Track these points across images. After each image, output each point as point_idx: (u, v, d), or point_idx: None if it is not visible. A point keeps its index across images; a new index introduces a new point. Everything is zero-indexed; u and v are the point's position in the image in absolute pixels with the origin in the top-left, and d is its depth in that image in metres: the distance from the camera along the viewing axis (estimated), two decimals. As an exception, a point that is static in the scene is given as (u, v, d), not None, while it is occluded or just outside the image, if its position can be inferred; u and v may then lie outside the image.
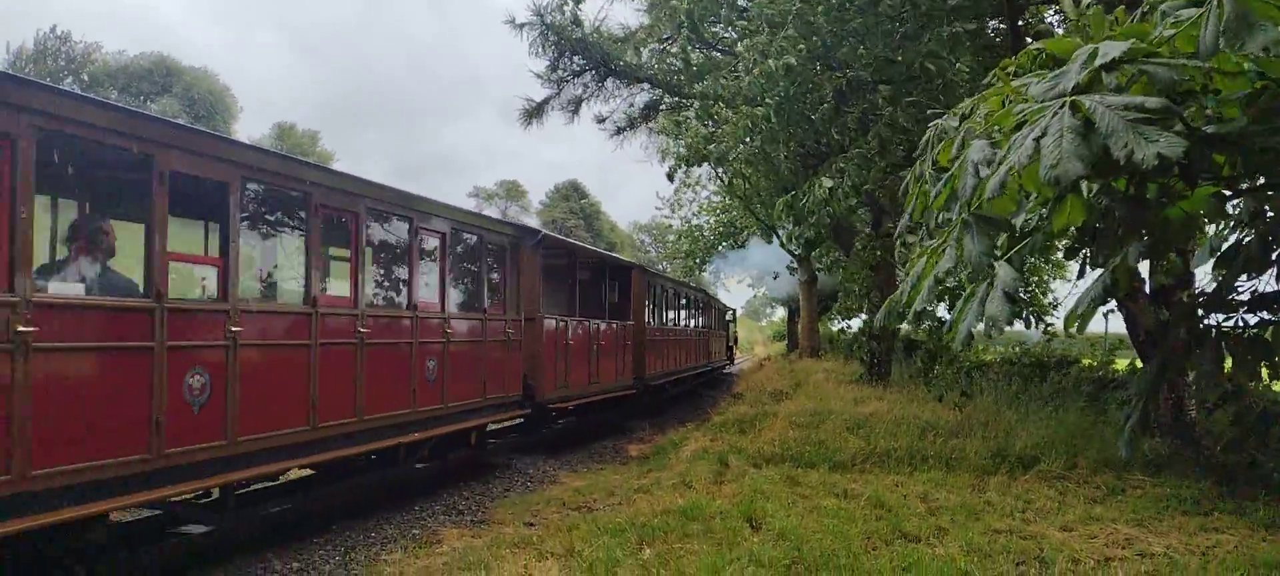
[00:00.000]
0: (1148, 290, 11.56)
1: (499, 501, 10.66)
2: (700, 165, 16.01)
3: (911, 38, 11.84)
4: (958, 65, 11.46)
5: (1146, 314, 11.36)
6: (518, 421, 13.85)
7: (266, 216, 9.10)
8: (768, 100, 11.60)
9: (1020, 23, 13.01)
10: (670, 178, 14.03)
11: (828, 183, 11.82)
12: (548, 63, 30.91)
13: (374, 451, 9.50)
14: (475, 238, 12.00)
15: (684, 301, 26.34)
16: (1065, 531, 8.19)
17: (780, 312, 47.79)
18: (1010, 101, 2.82)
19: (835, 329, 32.55)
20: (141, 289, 6.49)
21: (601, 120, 32.33)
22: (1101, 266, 2.99)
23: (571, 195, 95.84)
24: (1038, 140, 2.38)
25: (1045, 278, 25.54)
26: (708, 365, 28.73)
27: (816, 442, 12.41)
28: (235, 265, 7.29)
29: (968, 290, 3.00)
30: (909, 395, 16.26)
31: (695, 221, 37.69)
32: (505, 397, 12.57)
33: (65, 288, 6.30)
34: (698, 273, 41.10)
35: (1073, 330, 3.26)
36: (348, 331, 8.78)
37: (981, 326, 2.85)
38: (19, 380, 5.31)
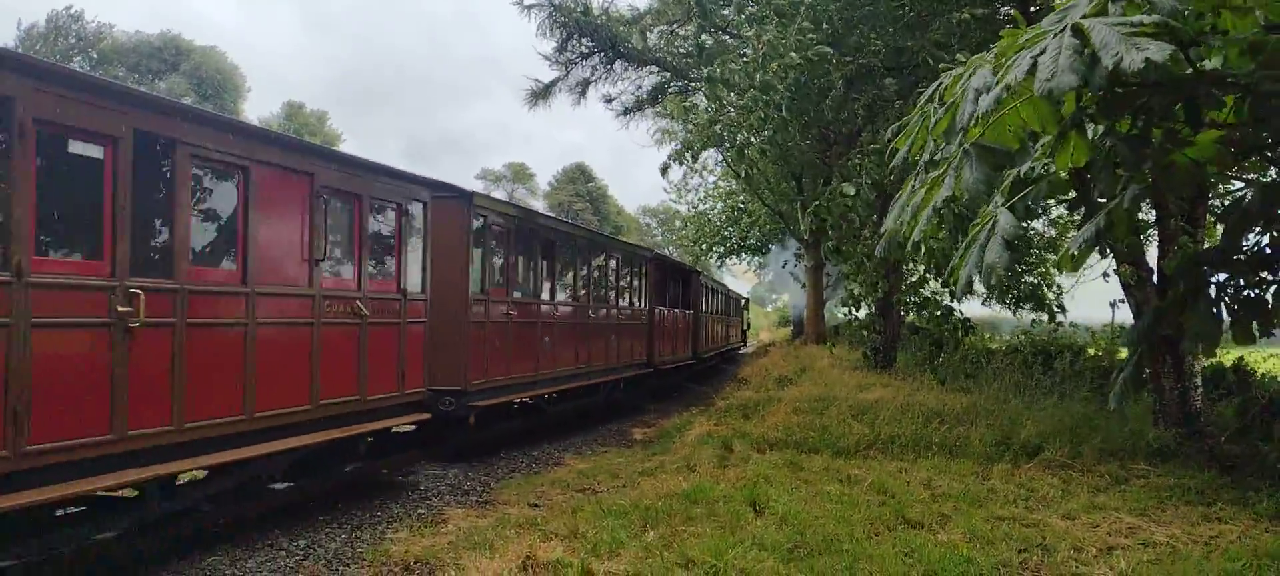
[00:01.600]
0: (1156, 282, 11.55)
1: (504, 482, 10.72)
2: (700, 153, 16.14)
3: (920, 25, 11.78)
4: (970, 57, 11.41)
5: (1153, 302, 11.35)
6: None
7: (561, 257, 15.46)
8: (779, 89, 11.59)
9: (1032, 8, 12.94)
10: (663, 173, 14.64)
11: (851, 189, 11.82)
12: (556, 44, 30.81)
13: (597, 384, 16.71)
14: (628, 258, 19.53)
15: (716, 294, 32.71)
16: (1068, 519, 8.21)
17: (785, 298, 47.75)
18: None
19: (841, 315, 32.52)
20: (531, 294, 13.89)
21: (609, 100, 32.24)
22: (1098, 212, 2.99)
23: (578, 178, 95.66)
24: (1035, 58, 2.40)
25: (1051, 272, 25.51)
26: (728, 345, 36.87)
27: (820, 428, 12.42)
28: (555, 284, 14.94)
29: (969, 237, 3.01)
30: (914, 382, 16.26)
31: (702, 207, 37.57)
32: (638, 361, 19.48)
33: (517, 296, 13.36)
34: (703, 258, 41.10)
35: (1065, 267, 3.27)
36: (586, 316, 16.32)
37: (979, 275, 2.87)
38: (507, 334, 12.58)
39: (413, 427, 10.59)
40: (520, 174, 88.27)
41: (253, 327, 7.50)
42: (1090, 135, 2.85)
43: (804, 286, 39.77)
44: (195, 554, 7.22)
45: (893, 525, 7.87)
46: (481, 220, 11.99)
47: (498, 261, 12.80)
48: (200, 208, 7.38)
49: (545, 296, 14.30)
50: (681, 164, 18.21)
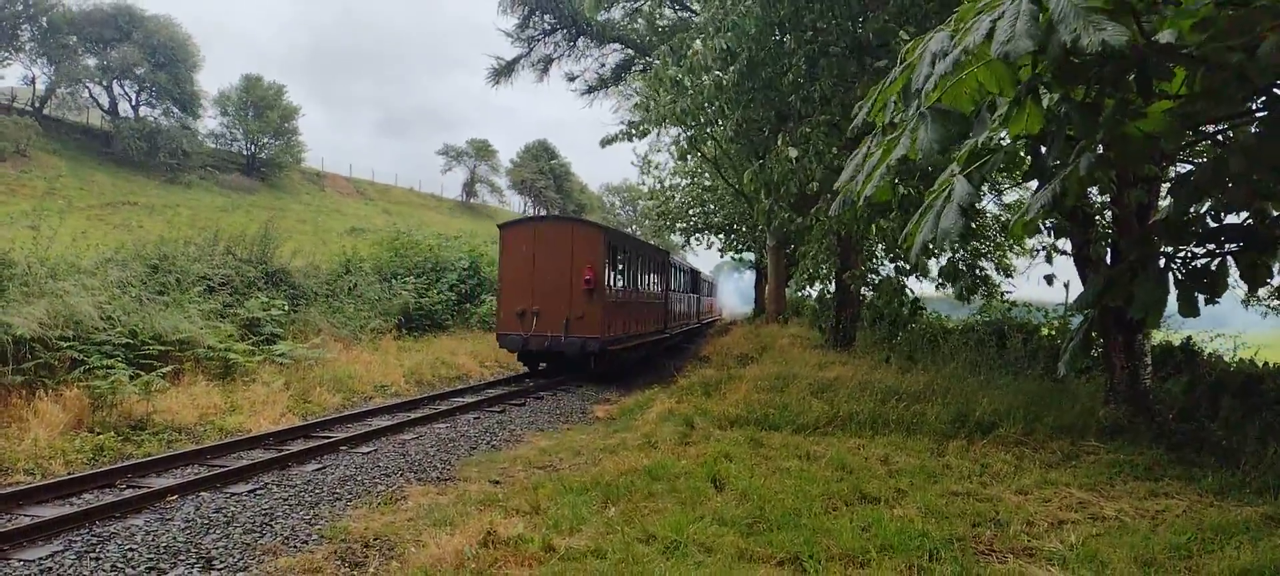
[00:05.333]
0: (1109, 260, 11.75)
1: (465, 460, 10.69)
2: (658, 126, 16.12)
3: (874, 4, 11.79)
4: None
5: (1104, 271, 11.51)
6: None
7: (682, 276, 34.07)
8: (731, 71, 11.57)
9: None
10: (603, 145, 14.75)
11: (793, 152, 11.80)
12: (518, 20, 30.48)
13: (692, 330, 36.65)
14: (689, 268, 36.84)
15: (706, 282, 47.52)
16: (1021, 494, 8.37)
17: (748, 276, 48.75)
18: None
19: (800, 295, 32.73)
20: (679, 290, 33.40)
21: (572, 78, 32.02)
22: (1053, 180, 3.03)
23: (541, 155, 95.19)
24: (994, 22, 2.43)
25: (1008, 258, 25.86)
26: (712, 317, 52.71)
27: (781, 406, 12.52)
28: (670, 283, 29.19)
29: (925, 204, 3.04)
30: (872, 361, 16.45)
31: (670, 183, 37.46)
32: (693, 321, 36.82)
33: (679, 292, 33.04)
34: (667, 236, 41.17)
35: (1018, 237, 3.35)
36: (687, 300, 35.22)
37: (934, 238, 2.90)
38: (672, 309, 30.28)
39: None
40: (482, 150, 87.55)
41: (655, 300, 25.91)
42: (1046, 103, 2.89)
43: (754, 267, 40.17)
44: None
45: (851, 500, 7.97)
46: (674, 268, 29.83)
47: (668, 280, 28.46)
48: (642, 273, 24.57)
49: (682, 290, 32.10)
50: (632, 139, 18.20)
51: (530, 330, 18.98)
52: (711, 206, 36.28)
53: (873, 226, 12.93)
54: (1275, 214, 3.06)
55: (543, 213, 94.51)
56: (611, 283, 19.79)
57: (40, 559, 6.67)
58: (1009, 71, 2.77)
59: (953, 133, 2.87)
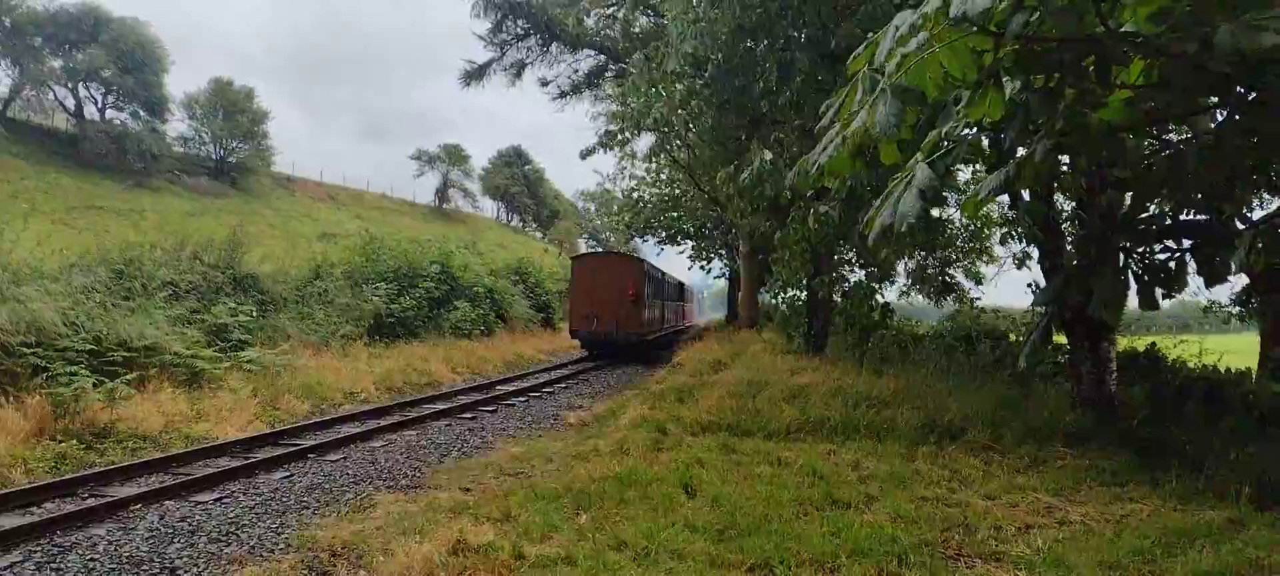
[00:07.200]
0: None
1: (436, 468, 10.62)
2: (633, 136, 16.14)
3: (845, 14, 11.87)
4: None
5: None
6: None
7: (675, 291, 41.32)
8: (704, 76, 11.59)
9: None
10: (582, 157, 14.70)
11: (768, 154, 11.84)
12: (491, 24, 30.37)
13: (683, 329, 42.22)
14: (677, 282, 42.43)
15: (688, 291, 53.06)
16: (989, 499, 8.44)
17: (721, 282, 48.76)
18: None
19: (772, 301, 32.81)
20: (673, 299, 41.67)
21: (545, 83, 31.96)
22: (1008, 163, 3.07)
23: (514, 161, 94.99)
24: None
25: (978, 267, 26.18)
26: (691, 322, 56.77)
27: (753, 412, 12.54)
28: (665, 294, 35.88)
29: (888, 188, 3.07)
30: (844, 367, 16.52)
31: (635, 194, 37.42)
32: (683, 324, 44.35)
33: (672, 300, 40.49)
34: (640, 242, 41.21)
35: (969, 214, 3.38)
36: (679, 307, 43.97)
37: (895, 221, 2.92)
38: (672, 313, 39.98)
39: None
40: (454, 155, 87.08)
41: (660, 307, 33.53)
42: (1008, 93, 2.92)
43: (727, 276, 40.39)
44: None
45: (821, 505, 8.00)
46: (668, 282, 36.57)
47: (666, 292, 35.22)
48: (661, 290, 34.16)
49: (674, 300, 38.01)
50: (607, 150, 18.28)
51: (592, 327, 28.29)
52: (679, 214, 36.27)
53: (842, 233, 12.98)
54: (1230, 212, 3.11)
55: (517, 221, 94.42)
56: (644, 295, 29.02)
57: (-1, 570, 6.55)
58: (970, 54, 2.80)
59: (911, 109, 2.89)
